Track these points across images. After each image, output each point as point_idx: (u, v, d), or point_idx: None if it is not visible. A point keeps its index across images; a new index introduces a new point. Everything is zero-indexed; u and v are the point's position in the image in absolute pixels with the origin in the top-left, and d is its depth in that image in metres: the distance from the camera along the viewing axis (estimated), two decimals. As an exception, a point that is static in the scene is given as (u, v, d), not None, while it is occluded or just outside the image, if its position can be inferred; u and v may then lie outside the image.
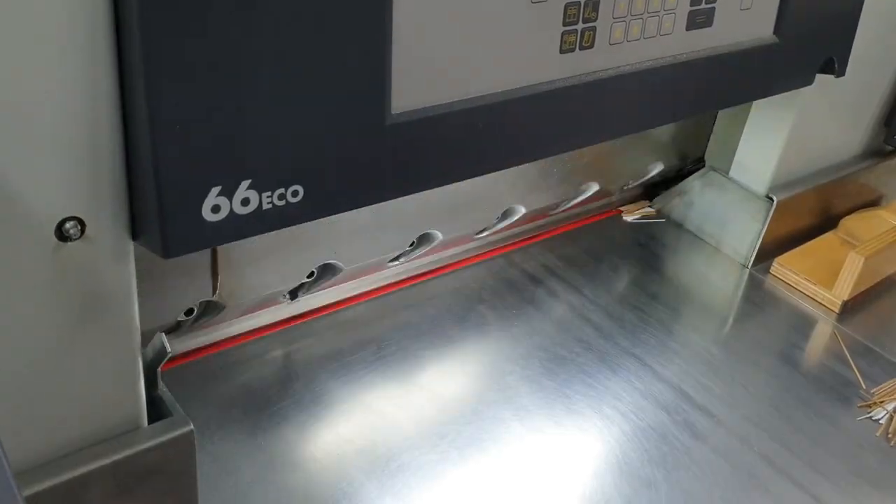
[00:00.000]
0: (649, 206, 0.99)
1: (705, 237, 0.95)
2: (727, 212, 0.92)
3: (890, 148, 1.01)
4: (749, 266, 0.91)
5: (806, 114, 0.86)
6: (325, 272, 0.72)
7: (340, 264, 0.71)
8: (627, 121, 0.65)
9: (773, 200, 0.89)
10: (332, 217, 0.49)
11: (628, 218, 0.97)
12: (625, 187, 0.96)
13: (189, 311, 0.64)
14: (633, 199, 1.00)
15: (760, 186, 0.90)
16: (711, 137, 0.97)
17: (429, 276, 0.82)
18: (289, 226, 0.46)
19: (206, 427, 0.62)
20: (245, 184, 0.43)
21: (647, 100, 0.64)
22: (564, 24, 0.55)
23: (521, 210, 0.83)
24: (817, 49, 0.77)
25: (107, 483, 0.47)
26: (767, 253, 0.91)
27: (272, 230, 0.46)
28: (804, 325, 0.85)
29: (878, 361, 0.80)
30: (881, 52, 0.90)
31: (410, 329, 0.75)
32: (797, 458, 0.68)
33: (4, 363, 0.42)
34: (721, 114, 0.95)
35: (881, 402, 0.74)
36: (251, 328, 0.72)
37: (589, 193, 0.90)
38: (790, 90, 0.78)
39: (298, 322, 0.74)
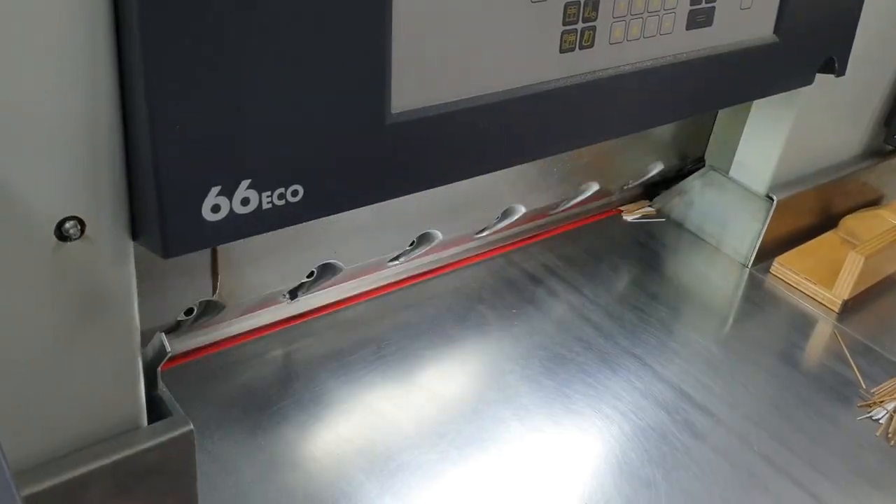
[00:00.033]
0: (649, 206, 0.99)
1: (705, 237, 0.95)
2: (727, 211, 0.92)
3: (890, 147, 1.01)
4: (749, 265, 0.91)
5: (806, 113, 0.86)
6: (325, 272, 0.72)
7: (340, 264, 0.71)
8: (627, 120, 0.65)
9: (773, 200, 0.89)
10: (332, 217, 0.49)
11: (628, 217, 0.97)
12: (625, 187, 0.96)
13: (189, 311, 0.64)
14: (633, 199, 1.00)
15: (761, 186, 0.90)
16: (711, 137, 0.97)
17: (428, 276, 0.82)
18: (289, 225, 0.46)
19: (206, 427, 0.62)
20: (245, 183, 0.43)
21: (647, 99, 0.64)
22: (564, 24, 0.55)
23: (521, 210, 0.83)
24: (817, 48, 0.77)
25: (106, 483, 0.47)
26: (768, 252, 0.91)
27: (272, 230, 0.46)
28: (804, 324, 0.85)
29: (878, 361, 0.80)
30: (881, 51, 0.90)
31: (410, 329, 0.75)
32: (797, 457, 0.68)
33: (4, 363, 0.42)
34: (721, 113, 0.95)
35: (881, 401, 0.74)
36: (251, 328, 0.72)
37: (589, 193, 0.90)
38: (790, 90, 0.78)
39: (298, 322, 0.74)
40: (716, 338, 0.81)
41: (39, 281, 0.41)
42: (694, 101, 0.69)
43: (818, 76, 0.78)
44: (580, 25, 0.56)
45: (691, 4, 0.63)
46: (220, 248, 0.62)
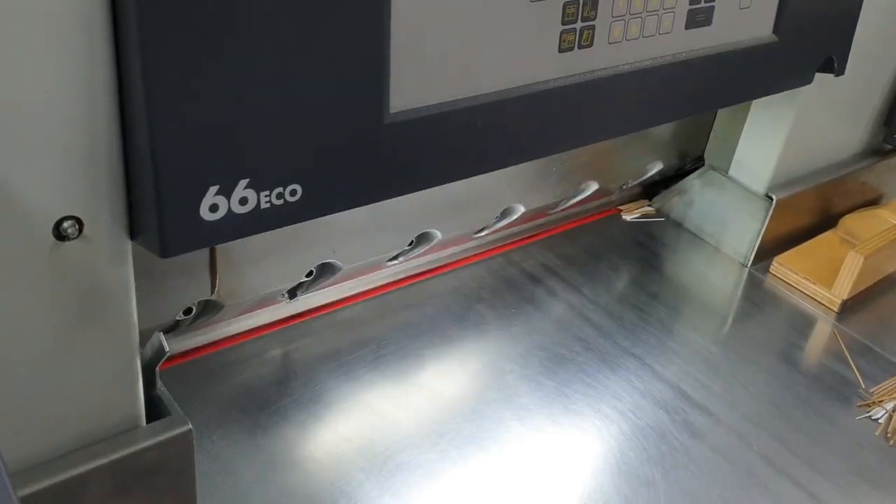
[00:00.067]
0: (649, 206, 0.99)
1: (705, 236, 0.95)
2: (727, 211, 0.92)
3: (889, 147, 1.01)
4: (748, 265, 0.91)
5: (805, 113, 0.86)
6: (324, 271, 0.72)
7: (339, 263, 0.71)
8: (626, 120, 0.65)
9: (772, 199, 0.89)
10: (331, 216, 0.49)
11: (628, 217, 0.97)
12: (624, 186, 0.96)
13: (188, 311, 0.64)
14: (633, 199, 1.00)
15: (760, 185, 0.90)
16: (711, 136, 0.96)
17: (428, 276, 0.82)
18: (287, 225, 0.46)
19: (205, 426, 0.62)
20: (243, 183, 0.43)
21: (646, 99, 0.64)
22: (563, 23, 0.55)
23: (521, 209, 0.83)
24: (817, 48, 0.77)
25: (105, 482, 0.47)
26: (767, 252, 0.91)
27: (270, 229, 0.46)
28: (804, 324, 0.85)
29: (877, 361, 0.80)
30: (881, 50, 0.90)
31: (409, 328, 0.75)
32: (796, 456, 0.68)
33: (3, 362, 0.42)
34: (720, 113, 0.95)
35: (880, 401, 0.74)
36: (250, 327, 0.72)
37: (588, 192, 0.89)
38: (789, 89, 0.78)
39: (297, 321, 0.74)
40: (715, 337, 0.81)
41: (38, 280, 0.41)
42: (693, 101, 0.69)
43: (817, 75, 0.78)
44: (579, 25, 0.56)
45: (690, 4, 0.63)
46: (219, 248, 0.62)
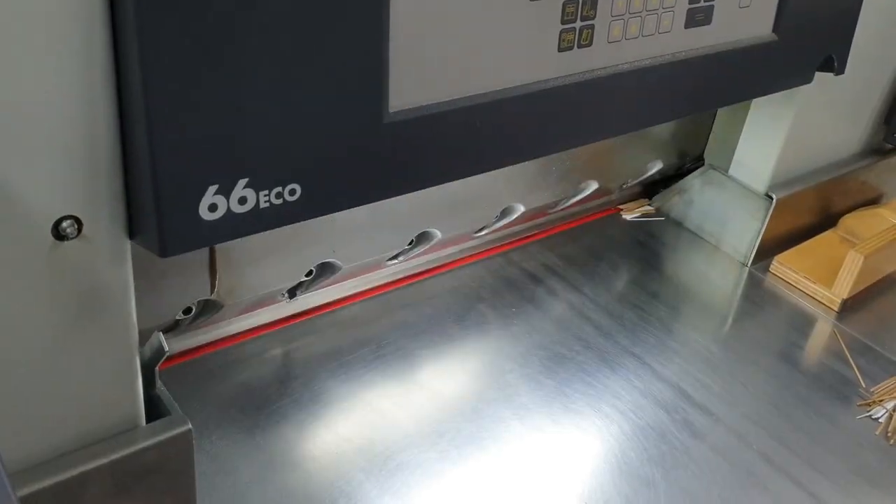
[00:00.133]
0: (649, 205, 0.99)
1: (705, 235, 0.95)
2: (727, 210, 0.92)
3: (890, 146, 1.01)
4: (749, 264, 0.91)
5: (805, 112, 0.86)
6: (324, 271, 0.72)
7: (339, 263, 0.71)
8: (626, 119, 0.65)
9: (772, 199, 0.89)
10: (331, 215, 0.49)
11: (628, 216, 0.97)
12: (624, 186, 0.95)
13: (187, 310, 0.64)
14: (633, 198, 1.00)
15: (760, 185, 0.90)
16: (711, 136, 0.96)
17: (428, 275, 0.82)
18: (286, 224, 0.46)
19: (205, 426, 0.62)
20: (242, 182, 0.43)
21: (645, 98, 0.64)
22: (563, 23, 0.55)
23: (520, 209, 0.83)
24: (816, 47, 0.76)
25: (105, 482, 0.47)
26: (767, 251, 0.91)
27: (270, 229, 0.46)
28: (804, 323, 0.85)
29: (877, 360, 0.80)
30: (881, 49, 0.90)
31: (409, 328, 0.75)
32: (796, 456, 0.68)
33: (2, 362, 0.42)
34: (720, 112, 0.95)
35: (880, 400, 0.74)
36: (250, 327, 0.72)
37: (588, 192, 0.89)
38: (789, 88, 0.78)
39: (297, 321, 0.74)
40: (715, 337, 0.81)
41: (37, 280, 0.41)
42: (693, 100, 0.69)
43: (817, 74, 0.78)
44: (578, 24, 0.56)
45: (690, 3, 0.62)
46: (219, 247, 0.62)
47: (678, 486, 0.63)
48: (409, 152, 0.50)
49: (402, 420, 0.66)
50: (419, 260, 0.81)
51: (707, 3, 0.64)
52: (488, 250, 0.87)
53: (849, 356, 0.80)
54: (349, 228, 0.69)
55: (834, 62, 0.78)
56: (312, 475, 0.60)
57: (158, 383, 0.51)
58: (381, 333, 0.74)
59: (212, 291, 0.63)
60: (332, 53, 0.44)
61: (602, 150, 0.87)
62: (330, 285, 0.74)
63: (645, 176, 0.96)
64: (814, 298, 0.88)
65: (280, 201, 0.45)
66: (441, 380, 0.70)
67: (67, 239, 0.41)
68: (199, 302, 0.64)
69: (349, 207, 0.49)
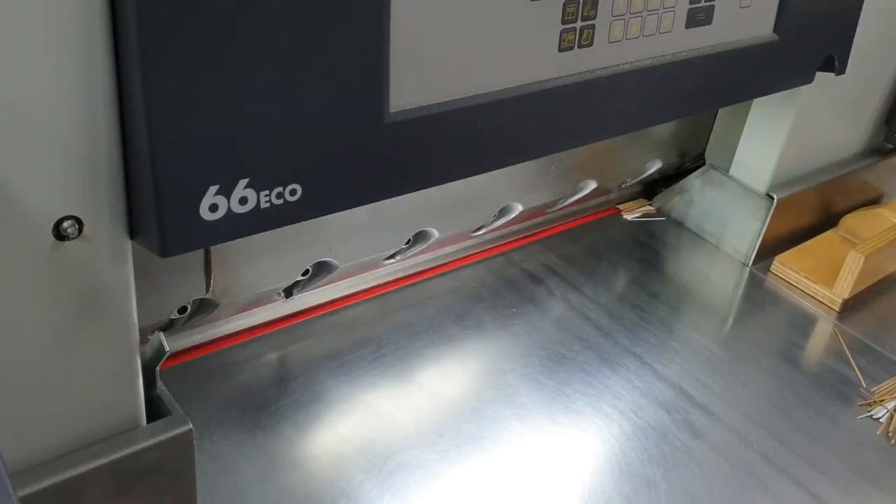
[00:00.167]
0: (649, 205, 0.99)
1: (706, 235, 0.95)
2: (727, 210, 0.92)
3: (890, 146, 1.01)
4: (749, 264, 0.91)
5: (806, 112, 0.86)
6: (321, 270, 0.71)
7: (335, 262, 0.71)
8: (627, 119, 0.65)
9: (773, 199, 0.89)
10: (328, 215, 0.49)
11: (628, 216, 0.97)
12: (623, 185, 0.95)
13: (182, 309, 0.64)
14: (633, 197, 1.00)
15: (761, 184, 0.90)
16: (712, 135, 0.96)
17: (428, 276, 0.82)
18: (287, 224, 0.46)
19: (206, 426, 0.62)
20: (243, 183, 0.43)
21: (646, 98, 0.64)
22: (563, 23, 0.55)
23: (519, 208, 0.83)
24: (817, 47, 0.76)
25: (105, 482, 0.47)
26: (768, 251, 0.91)
27: (270, 229, 0.46)
28: (804, 323, 0.85)
29: (878, 360, 0.80)
30: (882, 49, 0.90)
31: (410, 328, 0.75)
32: (797, 456, 0.68)
33: (3, 362, 0.42)
34: (721, 112, 0.95)
35: (881, 400, 0.74)
36: (251, 327, 0.72)
37: (587, 191, 0.89)
38: (790, 88, 0.78)
39: (298, 321, 0.74)
40: (716, 337, 0.81)
41: (38, 280, 0.41)
42: (693, 100, 0.69)
43: (818, 74, 0.78)
44: (579, 24, 0.56)
45: (691, 3, 0.62)
46: (214, 246, 0.62)
47: (679, 487, 0.63)
48: (409, 152, 0.50)
49: (403, 420, 0.66)
50: (419, 259, 0.81)
51: (708, 3, 0.64)
52: (489, 250, 0.87)
53: (850, 356, 0.80)
54: (346, 227, 0.69)
55: (835, 62, 0.78)
56: (313, 475, 0.60)
57: (159, 383, 0.51)
58: (382, 334, 0.74)
59: (207, 290, 0.63)
60: (332, 53, 0.44)
61: (601, 149, 0.87)
62: (326, 285, 0.74)
63: (644, 175, 0.96)
64: (814, 298, 0.88)
65: (281, 201, 0.45)
66: (441, 380, 0.70)
67: (68, 239, 0.41)
68: (194, 301, 0.64)
69: (350, 207, 0.49)
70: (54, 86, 0.38)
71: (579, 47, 0.56)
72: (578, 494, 0.62)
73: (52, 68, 0.37)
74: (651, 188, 1.01)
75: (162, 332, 0.49)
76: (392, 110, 0.48)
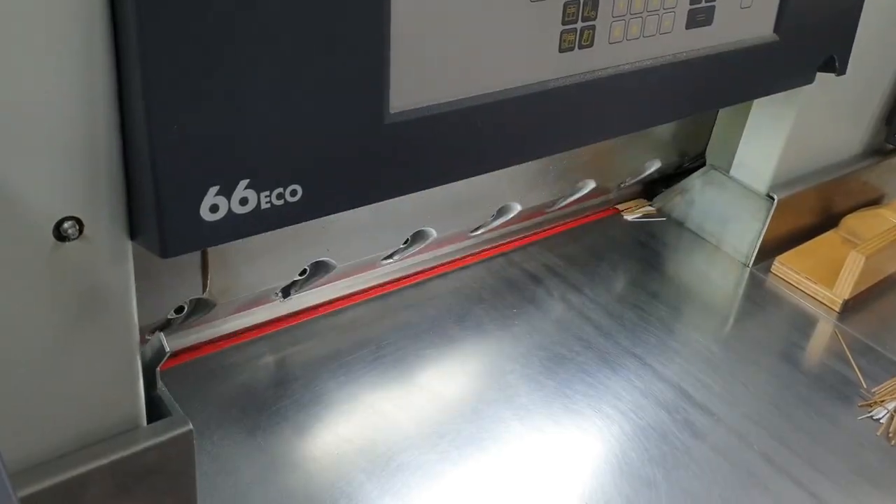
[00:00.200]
0: (650, 205, 0.99)
1: (706, 236, 0.95)
2: (728, 210, 0.92)
3: (891, 146, 1.01)
4: (750, 265, 0.91)
5: (807, 112, 0.86)
6: (318, 270, 0.71)
7: (333, 262, 0.70)
8: (627, 120, 0.65)
9: (773, 199, 0.88)
10: (326, 214, 0.48)
11: (629, 217, 0.97)
12: (622, 185, 0.95)
13: (179, 309, 0.64)
14: (632, 197, 1.00)
15: (761, 185, 0.90)
16: (712, 136, 0.96)
17: (428, 276, 0.82)
18: (287, 225, 0.46)
19: (206, 427, 0.62)
20: (243, 183, 0.43)
21: (646, 99, 0.64)
22: (563, 23, 0.55)
23: (517, 207, 0.83)
24: (818, 47, 0.76)
25: (105, 483, 0.47)
26: (768, 252, 0.91)
27: (271, 230, 0.46)
28: (805, 323, 0.85)
29: (879, 360, 0.80)
30: (882, 50, 0.90)
31: (410, 329, 0.75)
32: (797, 456, 0.68)
33: (3, 363, 0.42)
34: (722, 112, 0.95)
35: (882, 401, 0.74)
36: (252, 328, 0.72)
37: (585, 191, 0.89)
38: (791, 88, 0.78)
39: (298, 322, 0.74)
40: (716, 337, 0.81)
41: (38, 281, 0.41)
42: (694, 101, 0.69)
43: (819, 75, 0.78)
44: (579, 25, 0.56)
45: (691, 3, 0.62)
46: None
47: (679, 487, 0.63)
48: (410, 153, 0.50)
49: (403, 421, 0.66)
50: (420, 260, 0.81)
51: (708, 4, 0.64)
52: (489, 251, 0.87)
53: (850, 357, 0.80)
54: (343, 227, 0.69)
55: (835, 63, 0.78)
56: (313, 476, 0.60)
57: (159, 384, 0.51)
58: (382, 334, 0.74)
59: (204, 290, 0.63)
60: (332, 54, 0.44)
61: (600, 149, 0.87)
62: (324, 284, 0.74)
63: (643, 175, 0.96)
64: (815, 299, 0.88)
65: (281, 202, 0.45)
66: (441, 381, 0.70)
67: (69, 240, 0.41)
68: (191, 301, 0.64)
69: (350, 208, 0.49)
70: (54, 86, 0.38)
71: (580, 48, 0.56)
72: (579, 495, 0.62)
73: (52, 68, 0.37)
74: (651, 188, 1.01)
75: (162, 333, 0.49)
76: (392, 111, 0.48)
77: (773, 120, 0.87)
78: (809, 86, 0.78)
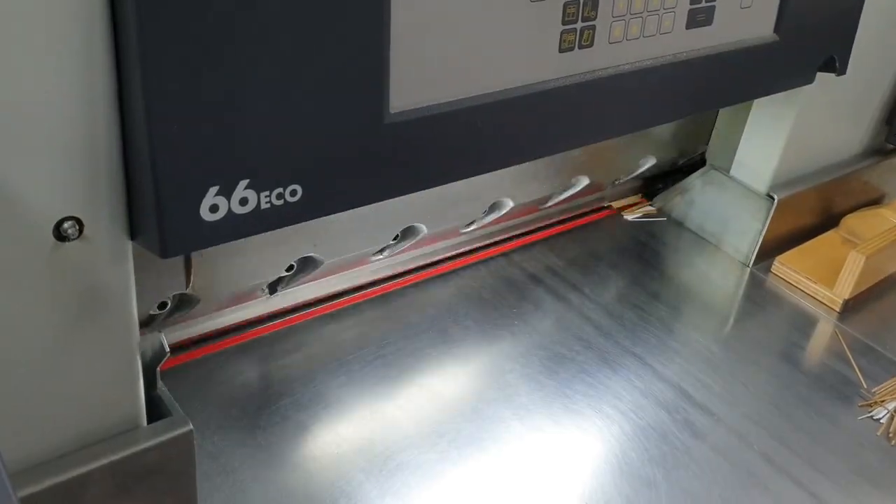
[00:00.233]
0: (650, 205, 0.99)
1: (706, 236, 0.95)
2: (728, 210, 0.92)
3: (891, 146, 1.01)
4: (750, 265, 0.91)
5: (807, 112, 0.86)
6: (306, 266, 0.70)
7: (320, 258, 0.69)
8: (627, 120, 0.65)
9: (774, 199, 0.88)
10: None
11: (629, 217, 0.97)
12: (616, 182, 0.95)
13: (162, 305, 0.63)
14: (628, 194, 0.99)
15: (761, 185, 0.90)
16: (713, 136, 0.96)
17: (428, 276, 0.82)
18: (287, 225, 0.47)
19: (205, 426, 0.62)
20: (243, 183, 0.43)
21: (646, 99, 0.64)
22: (563, 23, 0.55)
23: (510, 203, 0.82)
24: (818, 47, 0.76)
25: (106, 483, 0.47)
26: (768, 252, 0.91)
27: (270, 230, 0.46)
28: (805, 323, 0.85)
29: (879, 360, 0.80)
30: (882, 50, 0.90)
31: (410, 328, 0.75)
32: (797, 456, 0.68)
33: (3, 363, 0.42)
34: (722, 112, 0.95)
35: (882, 401, 0.74)
36: (252, 328, 0.72)
37: (579, 187, 0.88)
38: (791, 88, 0.78)
39: (298, 322, 0.74)
40: (716, 337, 0.81)
41: (38, 281, 0.41)
42: (694, 101, 0.69)
43: (819, 75, 0.78)
44: (579, 25, 0.56)
45: (691, 3, 0.62)
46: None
47: (679, 487, 0.63)
48: (410, 153, 0.50)
49: (403, 420, 0.66)
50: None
51: (708, 4, 0.64)
52: (489, 251, 0.87)
53: (850, 357, 0.80)
54: (331, 222, 0.68)
55: (835, 62, 0.78)
56: (313, 475, 0.60)
57: (160, 384, 0.51)
58: (382, 334, 0.74)
59: (187, 286, 0.62)
60: (332, 54, 0.44)
61: (593, 145, 0.86)
62: (311, 281, 0.73)
63: (637, 172, 0.95)
64: (815, 299, 0.88)
65: (281, 202, 0.45)
66: (441, 380, 0.70)
67: (69, 240, 0.41)
68: (174, 296, 0.63)
69: (350, 208, 0.49)
70: (54, 86, 0.38)
71: (580, 48, 0.56)
72: (579, 495, 0.62)
73: (52, 68, 0.37)
74: (651, 188, 1.01)
75: (162, 334, 0.50)
76: (392, 111, 0.48)
77: (774, 120, 0.87)
78: (809, 86, 0.78)
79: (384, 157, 0.49)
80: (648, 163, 0.95)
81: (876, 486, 0.66)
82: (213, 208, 0.42)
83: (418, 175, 0.52)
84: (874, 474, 0.67)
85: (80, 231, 0.41)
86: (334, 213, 0.49)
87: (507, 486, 0.62)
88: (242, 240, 0.61)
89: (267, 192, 0.44)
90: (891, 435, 0.71)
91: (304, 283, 0.73)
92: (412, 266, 0.82)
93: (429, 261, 0.82)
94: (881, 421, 0.72)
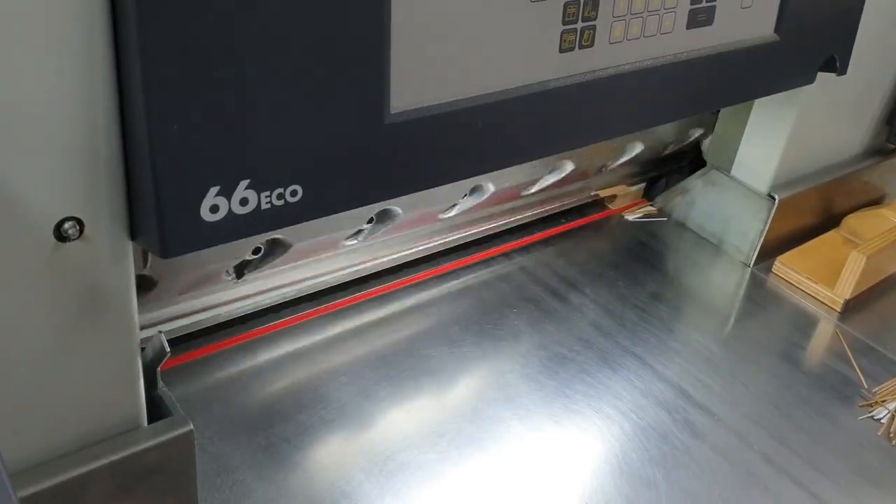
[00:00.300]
0: (651, 205, 0.99)
1: (707, 236, 0.95)
2: (729, 211, 0.92)
3: (892, 146, 1.01)
4: (751, 265, 0.91)
5: (807, 112, 0.86)
6: (274, 248, 0.68)
7: (289, 240, 0.68)
8: (628, 120, 0.65)
9: (774, 199, 0.88)
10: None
11: (630, 217, 0.97)
12: (603, 169, 0.93)
13: None
14: (614, 182, 0.97)
15: (762, 185, 0.90)
16: (713, 136, 0.96)
17: (428, 276, 0.82)
18: (288, 226, 0.46)
19: (206, 427, 0.62)
20: (244, 184, 0.43)
21: (647, 98, 0.64)
22: (564, 23, 0.55)
23: (490, 188, 0.80)
24: (818, 47, 0.76)
25: (106, 483, 0.47)
26: (769, 252, 0.91)
27: (271, 230, 0.46)
28: (806, 323, 0.85)
29: (879, 360, 0.80)
30: (883, 50, 0.90)
31: (410, 328, 0.75)
32: (797, 456, 0.68)
33: (4, 363, 0.42)
34: (723, 112, 0.95)
35: (883, 401, 0.74)
36: (252, 328, 0.72)
37: (564, 174, 0.87)
38: (791, 88, 0.78)
39: (298, 322, 0.74)
40: (716, 337, 0.80)
41: (38, 281, 0.41)
42: (694, 101, 0.69)
43: (819, 75, 0.78)
44: (580, 25, 0.56)
45: (692, 3, 0.62)
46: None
47: (679, 487, 0.63)
48: (410, 153, 0.50)
49: (403, 420, 0.66)
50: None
51: (709, 4, 0.64)
52: (490, 251, 0.87)
53: (851, 357, 0.80)
54: None
55: (836, 62, 0.78)
56: (313, 475, 0.60)
57: (160, 384, 0.51)
58: (382, 334, 0.74)
59: (144, 265, 0.59)
60: (333, 54, 0.44)
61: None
62: (281, 266, 0.70)
63: (624, 158, 0.93)
64: (816, 299, 0.88)
65: (281, 202, 0.45)
66: (441, 380, 0.70)
67: (69, 240, 0.41)
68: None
69: (351, 208, 0.49)
70: (54, 86, 0.38)
71: (580, 48, 0.56)
72: (579, 495, 0.62)
73: (52, 68, 0.37)
74: (651, 187, 1.01)
75: (163, 334, 0.50)
76: (393, 111, 0.48)
77: (774, 120, 0.87)
78: (810, 86, 0.78)
79: (384, 157, 0.49)
80: (636, 149, 0.93)
81: (876, 486, 0.66)
82: (214, 208, 0.42)
83: (418, 175, 0.52)
84: (874, 474, 0.67)
85: (81, 231, 0.41)
86: (335, 213, 0.49)
87: (508, 487, 0.62)
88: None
89: (267, 193, 0.44)
90: (891, 435, 0.71)
91: (274, 267, 0.69)
92: (419, 270, 0.81)
93: (437, 265, 0.82)
94: (882, 421, 0.72)
